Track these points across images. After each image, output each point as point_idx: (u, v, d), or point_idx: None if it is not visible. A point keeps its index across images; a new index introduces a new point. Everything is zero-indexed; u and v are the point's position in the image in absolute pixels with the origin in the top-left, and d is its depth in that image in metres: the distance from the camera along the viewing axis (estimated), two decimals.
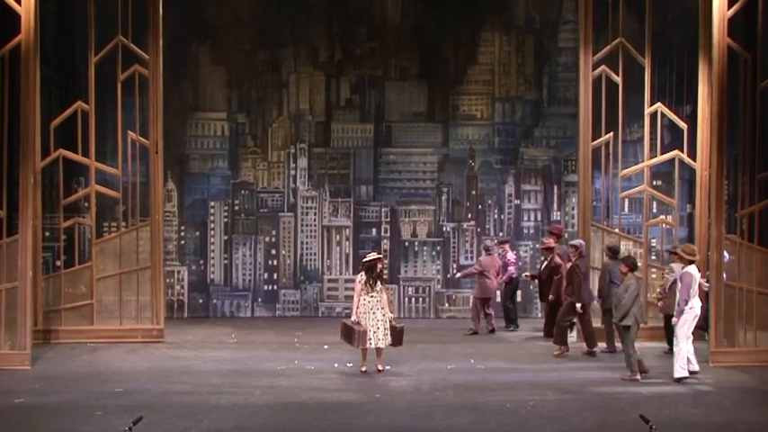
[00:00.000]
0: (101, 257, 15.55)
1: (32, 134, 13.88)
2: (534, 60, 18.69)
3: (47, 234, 16.42)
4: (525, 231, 18.57)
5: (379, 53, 18.68)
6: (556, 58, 18.62)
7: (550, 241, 15.65)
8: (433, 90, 18.72)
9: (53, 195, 16.27)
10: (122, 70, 15.48)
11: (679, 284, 12.54)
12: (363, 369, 12.99)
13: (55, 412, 10.91)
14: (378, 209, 18.72)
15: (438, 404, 11.32)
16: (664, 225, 16.55)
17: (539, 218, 18.61)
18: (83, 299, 15.45)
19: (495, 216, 18.69)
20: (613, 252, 14.43)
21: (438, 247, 18.66)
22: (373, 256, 13.28)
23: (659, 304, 14.55)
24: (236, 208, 18.65)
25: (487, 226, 18.68)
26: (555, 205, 18.64)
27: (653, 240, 16.69)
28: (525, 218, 18.67)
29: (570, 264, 14.37)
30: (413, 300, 18.65)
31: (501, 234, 18.46)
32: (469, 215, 18.72)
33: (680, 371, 12.40)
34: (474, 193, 18.71)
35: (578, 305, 14.07)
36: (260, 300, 18.67)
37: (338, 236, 18.69)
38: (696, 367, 12.66)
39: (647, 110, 15.82)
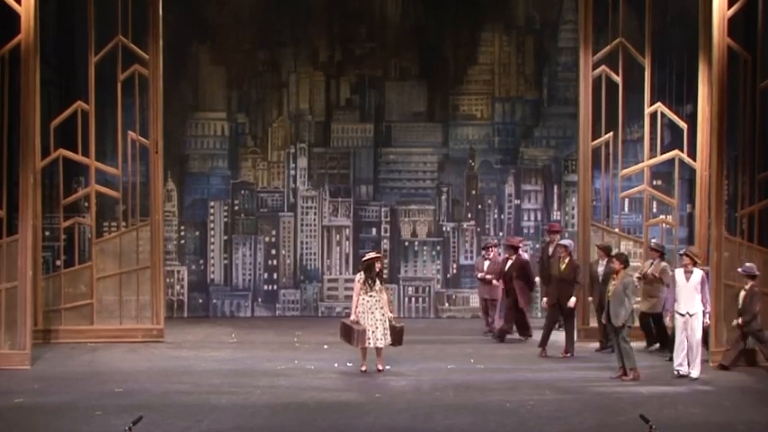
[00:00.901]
0: (101, 257, 15.55)
1: (32, 134, 13.88)
2: (534, 60, 18.68)
3: (47, 234, 16.41)
4: (525, 231, 18.57)
5: (379, 53, 18.67)
6: (556, 58, 18.62)
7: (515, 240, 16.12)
8: (433, 90, 18.71)
9: (53, 195, 16.26)
10: (122, 70, 15.48)
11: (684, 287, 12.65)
12: (363, 369, 12.99)
13: (55, 412, 10.91)
14: (378, 209, 18.72)
15: (438, 404, 11.32)
16: (664, 225, 16.55)
17: (539, 218, 18.61)
18: (83, 299, 15.45)
19: (495, 216, 18.69)
20: (607, 252, 14.35)
21: (438, 247, 18.65)
22: (371, 255, 13.29)
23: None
24: (236, 208, 18.65)
25: (487, 226, 18.68)
26: (555, 205, 18.65)
27: (653, 240, 16.66)
28: (525, 218, 18.67)
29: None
30: (413, 300, 18.65)
31: (501, 234, 18.47)
32: (469, 215, 18.72)
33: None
34: (474, 192, 18.71)
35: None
36: (260, 300, 18.66)
37: (338, 236, 18.69)
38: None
39: (647, 110, 15.83)
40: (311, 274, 18.67)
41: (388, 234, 18.68)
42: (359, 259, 18.33)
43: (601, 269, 14.37)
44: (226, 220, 18.63)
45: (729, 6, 13.56)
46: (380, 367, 13.00)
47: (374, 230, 18.70)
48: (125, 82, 15.51)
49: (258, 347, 15.10)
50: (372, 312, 12.94)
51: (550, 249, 15.37)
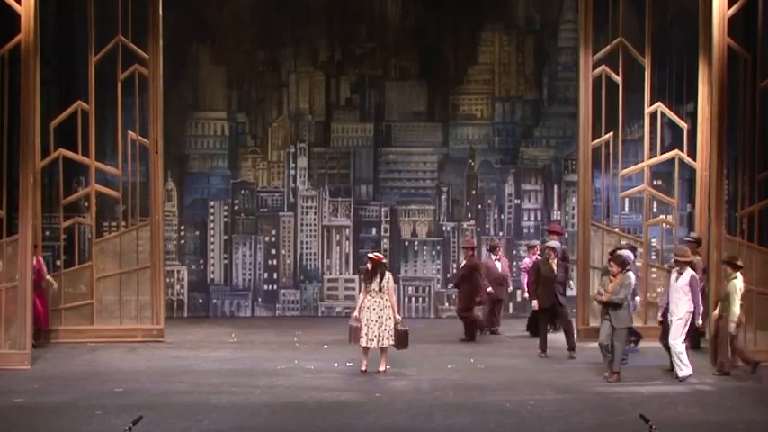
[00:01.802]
0: (101, 257, 15.55)
1: (32, 134, 13.88)
2: (534, 60, 18.69)
3: (47, 234, 16.41)
4: (525, 231, 18.57)
5: (379, 53, 18.68)
6: (556, 58, 18.63)
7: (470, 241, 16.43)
8: (433, 90, 18.72)
9: (53, 195, 16.27)
10: (122, 70, 15.48)
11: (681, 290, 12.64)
12: (363, 368, 12.99)
13: (55, 412, 10.91)
14: (378, 208, 18.73)
15: (438, 404, 11.32)
16: (664, 225, 16.55)
17: (539, 218, 18.62)
18: (83, 298, 15.46)
19: (495, 216, 18.70)
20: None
21: (438, 247, 18.66)
22: (371, 255, 13.29)
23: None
24: (236, 208, 18.66)
25: (487, 226, 18.69)
26: (555, 205, 18.65)
27: (653, 240, 16.69)
28: (525, 218, 18.68)
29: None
30: (413, 299, 18.65)
31: (501, 234, 18.48)
32: (469, 215, 18.72)
33: (685, 369, 12.50)
34: (474, 192, 18.72)
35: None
36: (260, 299, 18.67)
37: (338, 235, 18.69)
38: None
39: (647, 110, 15.83)
40: (311, 273, 18.68)
41: (388, 234, 18.69)
42: (359, 259, 18.47)
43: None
44: (226, 219, 18.63)
45: (729, 6, 13.56)
46: (381, 368, 12.99)
47: (374, 230, 18.71)
48: (125, 82, 15.51)
49: (258, 347, 15.10)
50: (369, 312, 12.94)
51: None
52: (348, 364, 13.50)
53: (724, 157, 13.75)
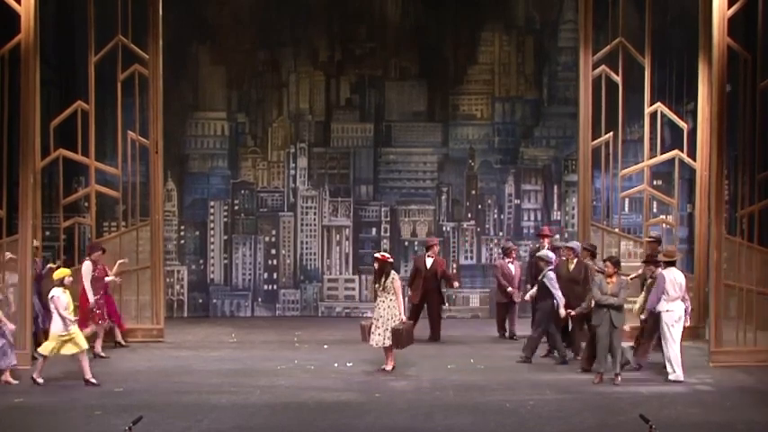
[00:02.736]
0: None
1: (32, 134, 13.88)
2: (534, 60, 18.69)
3: (47, 234, 16.38)
4: (525, 231, 18.56)
5: (379, 53, 18.68)
6: (556, 58, 18.63)
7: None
8: (433, 90, 18.72)
9: (53, 195, 16.27)
10: (122, 70, 15.48)
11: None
12: (382, 368, 13.05)
13: (55, 412, 10.91)
14: (378, 208, 18.72)
15: (438, 404, 11.32)
16: (664, 225, 16.55)
17: (539, 218, 18.61)
18: None
19: (495, 216, 18.69)
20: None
21: (438, 247, 18.62)
22: (378, 255, 13.29)
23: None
24: (236, 208, 18.66)
25: (487, 226, 18.69)
26: (555, 205, 18.65)
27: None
28: (525, 218, 18.67)
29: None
30: None
31: (501, 234, 18.47)
32: (469, 215, 18.72)
33: (674, 373, 12.46)
34: (474, 192, 18.72)
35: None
36: (260, 299, 18.67)
37: (338, 236, 18.69)
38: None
39: (647, 110, 15.82)
40: (311, 273, 18.68)
41: (388, 234, 18.69)
42: (359, 259, 18.48)
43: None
44: (226, 219, 18.63)
45: (729, 6, 13.56)
46: (388, 367, 13.03)
47: (374, 230, 18.71)
48: (125, 82, 15.51)
49: (258, 347, 15.10)
50: (377, 311, 13.02)
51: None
52: (348, 364, 13.51)
53: (724, 157, 13.76)
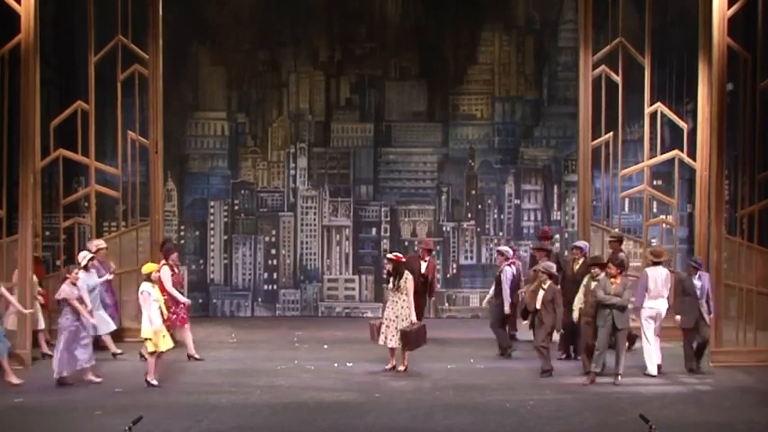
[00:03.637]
0: None
1: (32, 134, 13.89)
2: (534, 60, 18.68)
3: (47, 234, 16.40)
4: (525, 231, 18.56)
5: (379, 53, 18.67)
6: (556, 58, 18.62)
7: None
8: (433, 90, 18.71)
9: (53, 195, 16.27)
10: (122, 70, 15.50)
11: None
12: (388, 367, 13.09)
13: (55, 412, 10.92)
14: (378, 208, 18.72)
15: (438, 404, 11.32)
16: (664, 225, 16.55)
17: (539, 218, 18.61)
18: None
19: (495, 216, 18.69)
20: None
21: (438, 247, 18.63)
22: (390, 256, 13.30)
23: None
24: (236, 208, 18.66)
25: (487, 226, 18.69)
26: (555, 205, 18.65)
27: (653, 240, 16.67)
28: (525, 218, 18.67)
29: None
30: None
31: (501, 234, 18.47)
32: (469, 215, 18.72)
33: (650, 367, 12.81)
34: (474, 192, 18.71)
35: None
36: (260, 299, 18.66)
37: (338, 236, 18.69)
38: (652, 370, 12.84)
39: (647, 110, 15.83)
40: (311, 273, 18.68)
41: (388, 234, 18.68)
42: (359, 259, 18.48)
43: None
44: (226, 219, 18.63)
45: (729, 6, 13.57)
46: (401, 368, 13.08)
47: (374, 230, 18.71)
48: (125, 82, 15.52)
49: (258, 347, 15.10)
50: (389, 311, 13.08)
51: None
52: (348, 364, 13.51)
53: (724, 157, 13.77)
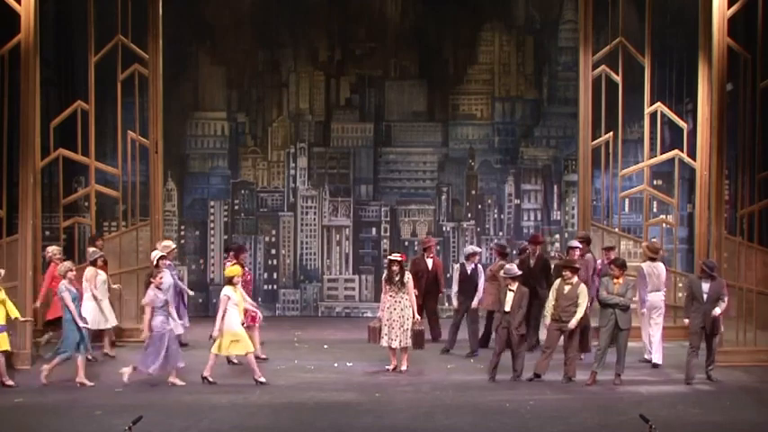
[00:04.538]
0: None
1: (32, 134, 13.89)
2: (534, 60, 18.67)
3: (47, 233, 16.38)
4: (525, 231, 18.55)
5: (379, 53, 18.66)
6: (556, 58, 18.61)
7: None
8: (433, 90, 18.71)
9: (53, 195, 16.25)
10: (122, 70, 15.50)
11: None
12: (390, 368, 13.08)
13: (55, 412, 10.93)
14: (378, 208, 18.72)
15: (438, 404, 11.33)
16: (664, 225, 16.55)
17: (539, 217, 18.61)
18: None
19: (495, 216, 18.69)
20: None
21: (438, 247, 18.61)
22: (392, 257, 13.29)
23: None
24: (236, 207, 18.65)
25: (487, 226, 18.68)
26: (555, 205, 18.65)
27: (653, 240, 16.66)
28: (525, 217, 18.67)
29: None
30: None
31: (501, 234, 18.46)
32: (469, 215, 18.72)
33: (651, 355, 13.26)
34: (474, 192, 18.71)
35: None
36: (260, 299, 18.63)
37: (338, 235, 18.69)
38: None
39: (647, 109, 15.84)
40: (311, 273, 18.67)
41: (388, 234, 18.68)
42: (359, 259, 18.47)
43: None
44: (226, 219, 18.63)
45: (729, 6, 13.58)
46: (403, 367, 13.08)
47: (374, 230, 18.70)
48: (125, 82, 15.52)
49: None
50: (391, 312, 13.02)
51: (531, 261, 14.51)
52: (348, 364, 13.51)
53: (724, 157, 13.78)
